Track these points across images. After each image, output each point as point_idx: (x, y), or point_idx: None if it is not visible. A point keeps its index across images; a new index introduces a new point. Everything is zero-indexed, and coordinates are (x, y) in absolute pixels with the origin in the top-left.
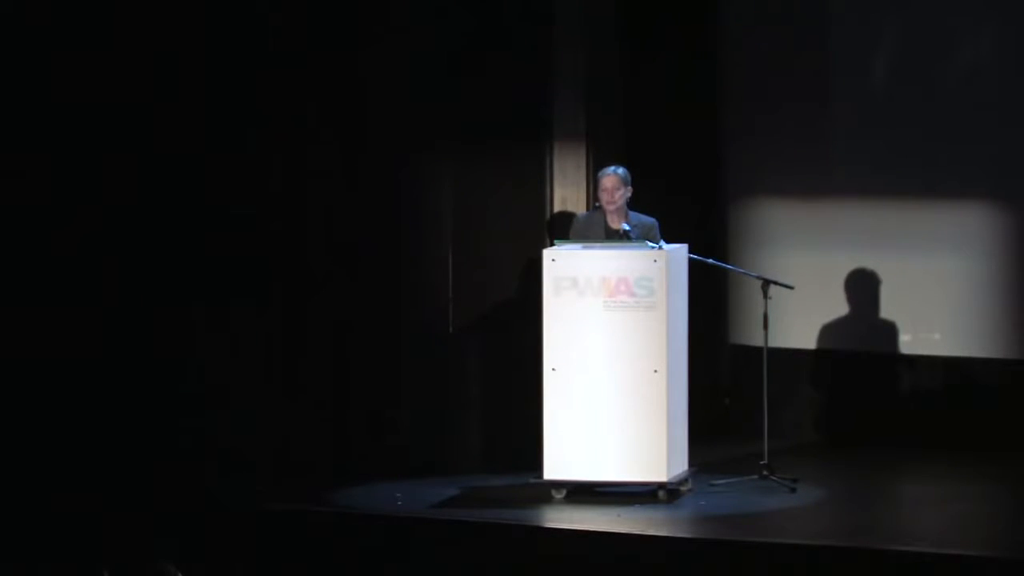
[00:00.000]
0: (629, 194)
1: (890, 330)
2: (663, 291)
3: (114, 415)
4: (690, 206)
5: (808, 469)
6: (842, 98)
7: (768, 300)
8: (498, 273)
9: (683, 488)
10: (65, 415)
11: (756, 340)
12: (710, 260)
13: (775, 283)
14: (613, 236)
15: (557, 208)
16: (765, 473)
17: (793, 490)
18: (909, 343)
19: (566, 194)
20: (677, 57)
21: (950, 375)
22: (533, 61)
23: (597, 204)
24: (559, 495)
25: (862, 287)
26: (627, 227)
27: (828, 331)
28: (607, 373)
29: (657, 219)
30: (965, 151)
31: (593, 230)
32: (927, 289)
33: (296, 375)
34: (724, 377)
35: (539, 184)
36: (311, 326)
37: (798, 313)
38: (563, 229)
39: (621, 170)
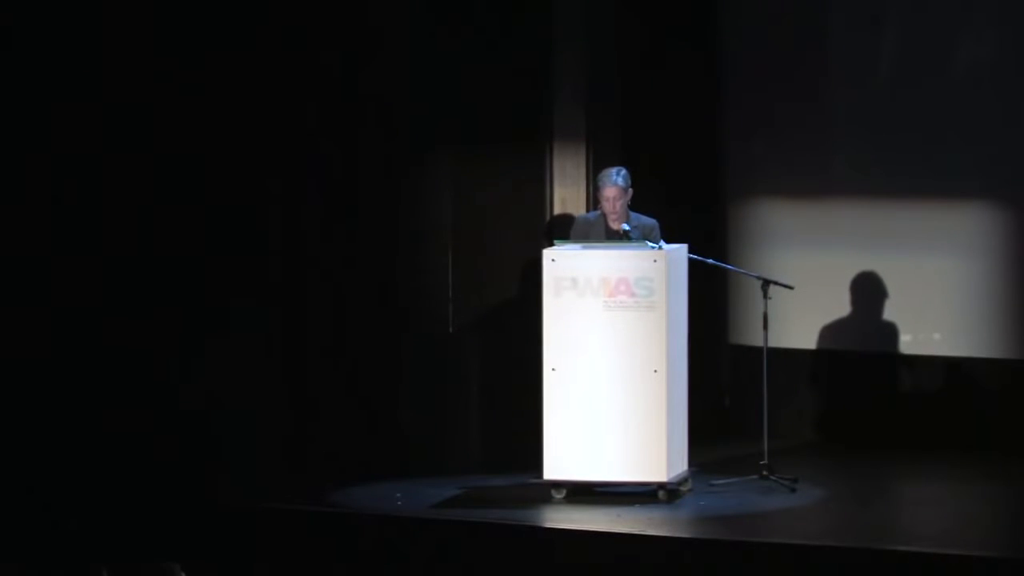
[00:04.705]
0: (630, 198)
1: (890, 330)
2: (663, 291)
3: (114, 415)
4: (690, 206)
5: (808, 469)
6: (842, 98)
7: (768, 300)
8: (498, 273)
9: (683, 488)
10: (65, 415)
11: (756, 340)
12: (710, 260)
13: (775, 283)
14: (614, 236)
15: (557, 209)
16: (765, 473)
17: (793, 490)
18: (909, 343)
19: (566, 195)
20: (677, 57)
21: (950, 375)
22: (533, 61)
23: (598, 208)
24: (559, 495)
25: (862, 287)
26: (627, 227)
27: (828, 331)
28: (607, 373)
29: (657, 219)
30: (965, 151)
31: (594, 231)
32: (927, 289)
33: (296, 374)
34: (724, 377)
35: (539, 185)
36: (311, 326)
37: (798, 313)
38: (563, 229)
39: (621, 178)
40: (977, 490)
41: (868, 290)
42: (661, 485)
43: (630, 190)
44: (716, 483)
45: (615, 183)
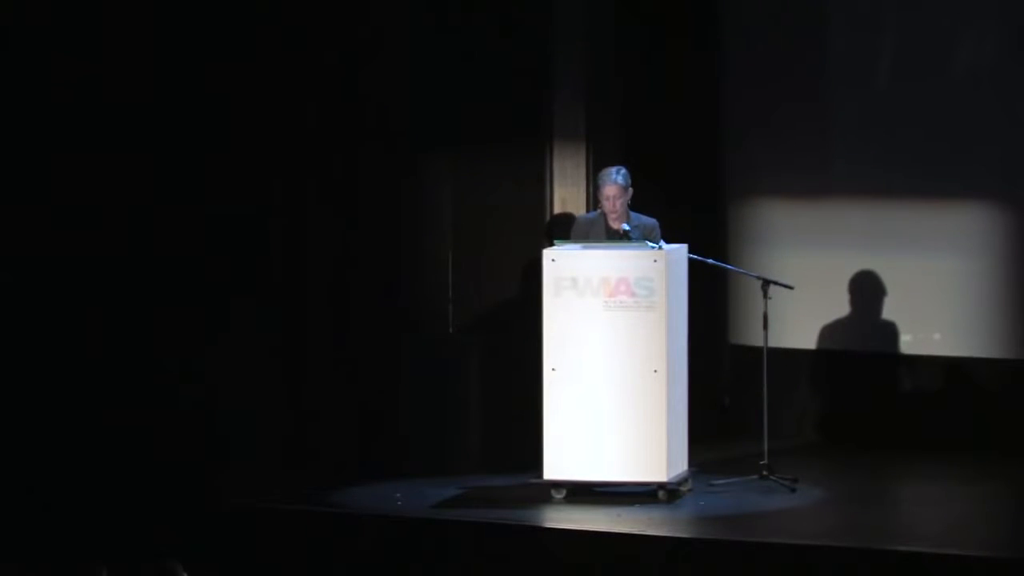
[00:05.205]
0: (630, 197)
1: (890, 330)
2: (663, 291)
3: (114, 415)
4: (690, 206)
5: (808, 469)
6: (842, 98)
7: (768, 300)
8: (498, 273)
9: (683, 488)
10: (65, 415)
11: (756, 340)
12: (710, 260)
13: (775, 283)
14: (614, 236)
15: (557, 208)
16: (765, 473)
17: (793, 490)
18: (909, 343)
19: (566, 194)
20: (677, 57)
21: (950, 375)
22: (533, 61)
23: (598, 208)
24: (559, 495)
25: (862, 287)
26: (627, 227)
27: (828, 331)
28: (607, 373)
29: (657, 219)
30: (966, 151)
31: (594, 231)
32: (927, 289)
33: (296, 374)
34: (724, 377)
35: (539, 184)
36: (311, 326)
37: (798, 313)
38: (563, 229)
39: (621, 177)
40: (977, 490)
41: (868, 290)
42: (661, 485)
43: (630, 189)
44: (716, 483)
45: (615, 181)
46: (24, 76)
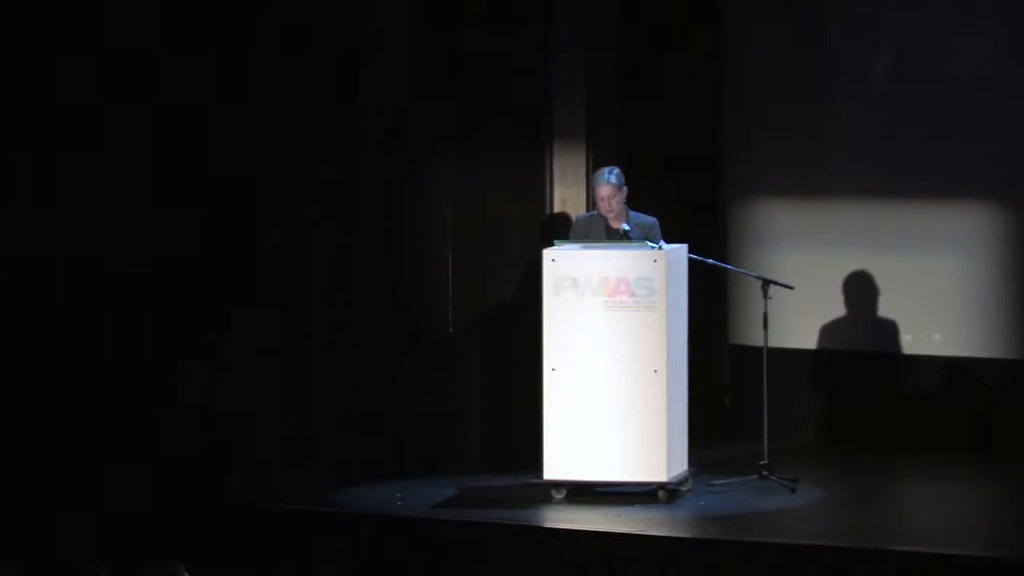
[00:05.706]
0: (625, 195)
1: (890, 330)
2: (663, 291)
3: (114, 415)
4: (690, 206)
5: (808, 469)
6: (842, 98)
7: (768, 300)
8: (498, 273)
9: (683, 488)
10: (64, 415)
11: (756, 340)
12: (710, 260)
13: (775, 283)
14: (614, 236)
15: (557, 208)
16: (765, 473)
17: (793, 490)
18: (909, 343)
19: (566, 194)
20: (677, 57)
21: (950, 375)
22: (533, 61)
23: (596, 209)
24: (559, 495)
25: (862, 287)
26: (627, 227)
27: (828, 331)
28: (607, 373)
29: (657, 219)
30: (965, 151)
31: (594, 230)
32: (927, 289)
33: (296, 375)
34: (724, 377)
35: (539, 184)
36: (311, 326)
37: (798, 313)
38: (563, 229)
39: (614, 177)
40: (977, 490)
41: (868, 290)
42: (661, 485)
43: (624, 188)
44: (716, 483)
45: (608, 182)
46: (25, 75)
